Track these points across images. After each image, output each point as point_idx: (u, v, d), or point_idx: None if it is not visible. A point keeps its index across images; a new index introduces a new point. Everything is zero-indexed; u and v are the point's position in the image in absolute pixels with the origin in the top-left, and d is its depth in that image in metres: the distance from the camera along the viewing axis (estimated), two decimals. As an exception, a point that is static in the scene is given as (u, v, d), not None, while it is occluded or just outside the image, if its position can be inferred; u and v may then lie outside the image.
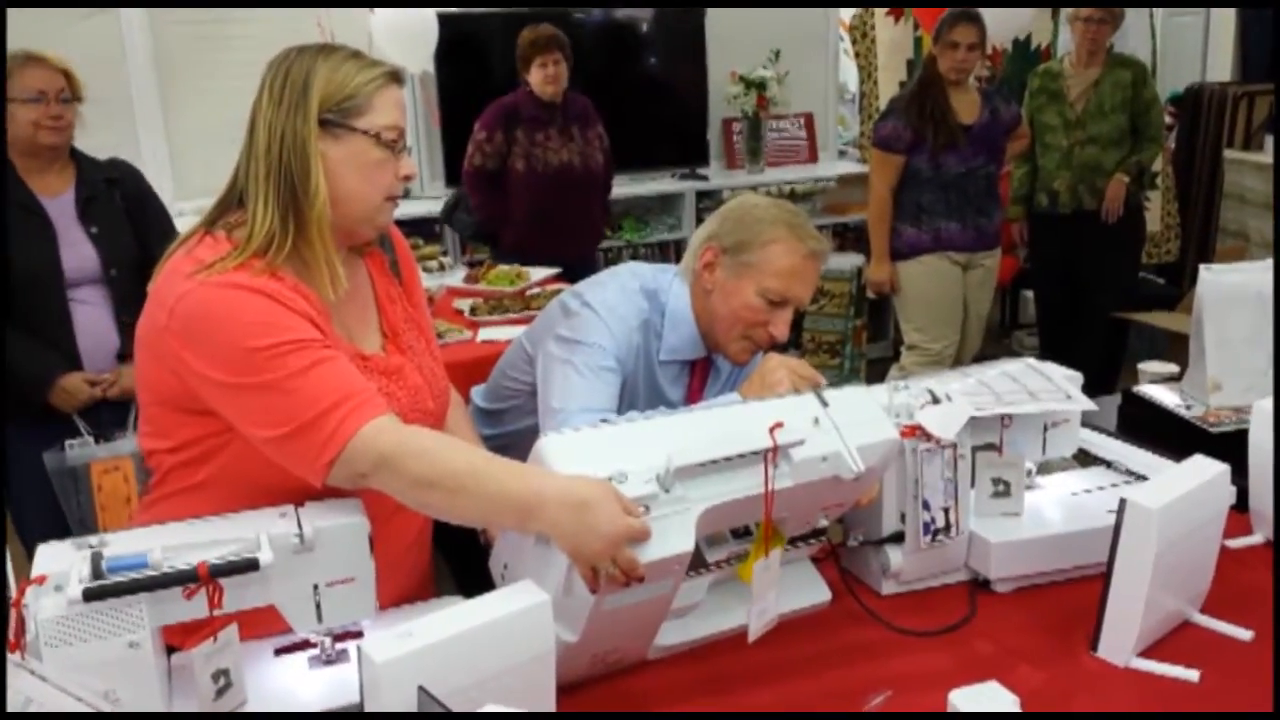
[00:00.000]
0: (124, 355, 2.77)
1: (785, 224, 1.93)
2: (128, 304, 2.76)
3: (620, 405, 1.93)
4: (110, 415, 2.78)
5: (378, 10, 4.70)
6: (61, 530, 2.43)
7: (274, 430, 1.38)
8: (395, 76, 1.54)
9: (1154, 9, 6.10)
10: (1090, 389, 1.84)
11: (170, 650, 1.40)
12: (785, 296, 1.92)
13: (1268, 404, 1.78)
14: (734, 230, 1.95)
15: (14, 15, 3.60)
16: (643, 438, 1.42)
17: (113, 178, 2.86)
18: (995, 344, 5.63)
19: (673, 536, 1.36)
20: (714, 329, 1.99)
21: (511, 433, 2.11)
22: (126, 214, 2.84)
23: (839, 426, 1.50)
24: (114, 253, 2.77)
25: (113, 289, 2.77)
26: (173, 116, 4.92)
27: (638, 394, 1.99)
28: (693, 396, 2.06)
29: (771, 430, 1.42)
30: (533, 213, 4.29)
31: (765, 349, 1.99)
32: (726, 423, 1.46)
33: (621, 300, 1.99)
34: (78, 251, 2.73)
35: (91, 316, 2.76)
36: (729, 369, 2.10)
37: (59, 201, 2.76)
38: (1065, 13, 4.83)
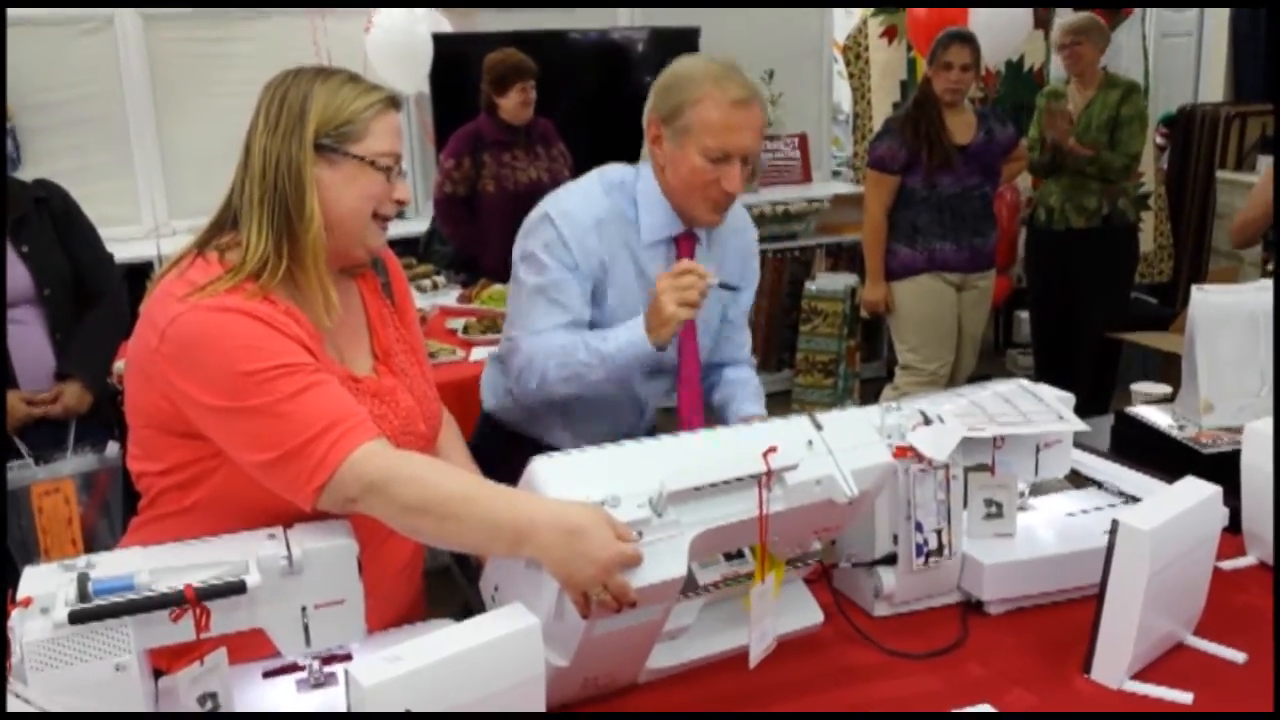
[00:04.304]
0: (60, 374, 2.75)
1: (711, 78, 1.92)
2: (62, 322, 2.76)
3: (602, 305, 1.99)
4: (49, 436, 2.74)
5: (373, 30, 4.71)
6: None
7: (263, 455, 1.38)
8: (393, 102, 1.54)
9: (1146, 31, 6.13)
10: (1083, 409, 1.84)
11: (157, 673, 1.38)
12: (725, 150, 1.90)
13: (1261, 426, 1.78)
14: (666, 97, 1.96)
15: (11, 32, 3.62)
16: (635, 462, 1.41)
17: (40, 197, 2.81)
18: (990, 364, 5.63)
19: (665, 561, 1.35)
20: (676, 200, 2.00)
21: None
22: (56, 233, 2.80)
23: (833, 450, 1.50)
24: (46, 271, 2.74)
25: (47, 308, 2.74)
26: (167, 134, 4.94)
27: (626, 286, 2.01)
28: None
29: (765, 454, 1.41)
30: (507, 232, 4.26)
31: (729, 204, 1.99)
32: (719, 447, 1.45)
33: (579, 204, 2.02)
34: (10, 271, 2.69)
35: (26, 336, 2.72)
36: (708, 235, 2.10)
37: None
38: (1053, 38, 4.86)
